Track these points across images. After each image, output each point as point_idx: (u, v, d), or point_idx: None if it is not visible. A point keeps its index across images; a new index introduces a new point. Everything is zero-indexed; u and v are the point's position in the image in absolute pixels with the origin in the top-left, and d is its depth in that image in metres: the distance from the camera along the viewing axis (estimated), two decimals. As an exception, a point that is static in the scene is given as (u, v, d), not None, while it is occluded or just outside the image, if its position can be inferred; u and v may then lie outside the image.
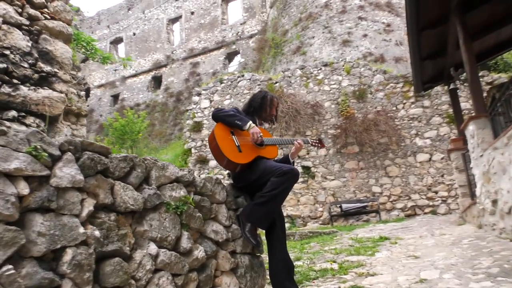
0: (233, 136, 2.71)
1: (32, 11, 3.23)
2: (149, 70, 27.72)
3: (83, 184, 1.67)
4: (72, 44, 7.30)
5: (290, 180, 2.60)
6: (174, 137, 22.68)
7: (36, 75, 3.19)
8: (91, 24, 31.99)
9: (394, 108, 9.91)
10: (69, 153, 1.65)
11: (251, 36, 24.39)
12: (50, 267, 1.51)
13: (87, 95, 28.53)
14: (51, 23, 3.35)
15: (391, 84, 10.04)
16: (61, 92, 3.37)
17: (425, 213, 9.16)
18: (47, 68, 3.28)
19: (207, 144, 2.97)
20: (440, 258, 3.34)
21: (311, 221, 9.62)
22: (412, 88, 9.86)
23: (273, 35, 20.32)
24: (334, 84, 10.34)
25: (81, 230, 1.61)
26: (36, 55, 3.21)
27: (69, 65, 3.51)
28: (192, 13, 27.17)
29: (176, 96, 25.43)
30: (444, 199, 9.21)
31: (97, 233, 1.67)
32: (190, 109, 11.28)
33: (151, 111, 25.36)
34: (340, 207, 9.28)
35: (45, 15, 3.34)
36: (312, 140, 3.14)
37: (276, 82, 10.70)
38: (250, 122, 2.74)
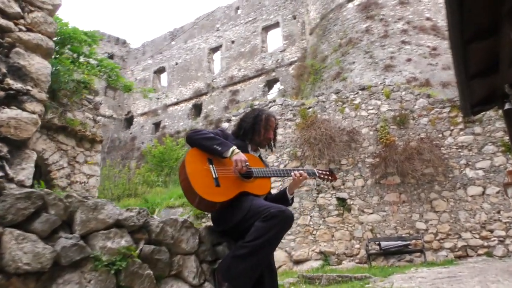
0: (211, 166, 2.13)
1: (3, 21, 2.86)
2: (190, 98, 28.10)
3: None
4: (95, 70, 7.13)
5: (279, 225, 1.94)
6: (211, 164, 22.35)
7: (2, 93, 2.78)
8: (136, 55, 33.15)
9: (440, 135, 8.95)
10: None
11: (290, 63, 24.19)
12: None
13: (130, 123, 29.25)
14: (27, 36, 2.97)
15: (436, 109, 9.12)
16: (33, 112, 2.94)
17: (479, 255, 7.99)
18: (17, 85, 2.87)
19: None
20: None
21: (346, 259, 8.69)
22: (461, 113, 8.89)
23: (312, 62, 19.91)
24: (372, 109, 9.57)
25: None
26: (4, 70, 2.81)
27: (47, 82, 3.09)
28: (233, 42, 27.45)
29: (215, 124, 25.42)
30: (501, 239, 8.01)
31: (-51, 310, 1.12)
32: (220, 136, 10.86)
33: (190, 139, 25.44)
34: (379, 244, 8.31)
35: (20, 26, 2.97)
36: (320, 172, 2.48)
37: (309, 108, 10.08)
38: (234, 147, 2.16)
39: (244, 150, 2.31)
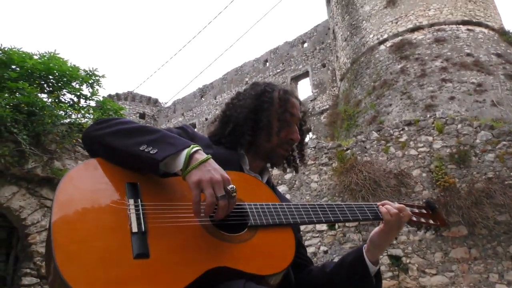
0: (131, 202, 0.87)
1: None
2: (220, 154, 27.47)
3: None
4: (98, 113, 6.24)
5: None
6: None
7: None
8: (167, 113, 33.38)
9: (513, 174, 7.31)
10: None
11: (322, 112, 23.33)
12: None
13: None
14: None
15: (504, 142, 7.53)
16: None
17: None
18: None
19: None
20: None
21: (409, 336, 6.87)
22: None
23: (345, 107, 18.91)
24: (422, 146, 8.10)
25: None
26: None
27: None
28: (262, 94, 27.00)
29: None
30: None
31: None
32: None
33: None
34: (451, 316, 6.52)
35: None
36: (414, 208, 1.18)
37: (347, 149, 8.74)
38: (194, 147, 0.93)
39: (232, 166, 1.09)
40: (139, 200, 0.88)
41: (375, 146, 8.47)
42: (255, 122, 1.21)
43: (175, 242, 0.85)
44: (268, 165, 1.28)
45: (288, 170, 1.31)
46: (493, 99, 14.75)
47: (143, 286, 0.74)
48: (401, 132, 8.36)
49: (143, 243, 0.81)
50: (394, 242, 7.68)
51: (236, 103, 1.27)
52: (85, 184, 0.89)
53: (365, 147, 8.58)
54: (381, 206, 1.11)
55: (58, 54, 5.93)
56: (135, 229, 0.82)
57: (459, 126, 7.99)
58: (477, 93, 15.21)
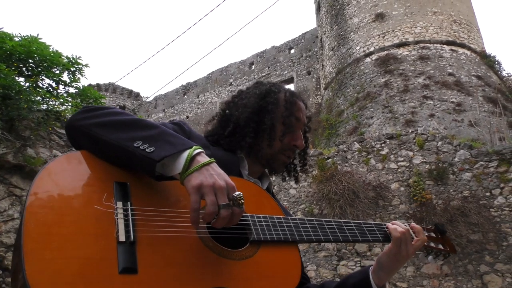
0: (119, 204, 0.74)
1: None
2: (199, 153, 27.29)
3: None
4: (75, 102, 6.03)
5: None
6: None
7: None
8: (148, 108, 32.87)
9: (488, 194, 7.42)
10: None
11: (304, 119, 23.34)
12: None
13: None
14: None
15: (481, 163, 7.67)
16: None
17: None
18: None
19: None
20: None
21: None
22: None
23: (327, 116, 19.03)
24: (402, 161, 8.17)
25: None
26: None
27: None
28: (245, 96, 26.93)
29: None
30: None
31: None
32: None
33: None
34: (419, 331, 6.55)
35: None
36: (424, 231, 1.09)
37: (328, 158, 8.73)
38: (195, 148, 0.81)
39: (231, 170, 0.99)
40: (128, 203, 0.77)
41: (356, 157, 8.49)
42: (258, 124, 1.12)
43: (169, 255, 0.74)
44: (267, 170, 1.20)
45: (286, 175, 1.23)
46: (471, 120, 15.11)
47: None
48: (383, 145, 8.41)
49: (131, 255, 0.70)
50: (368, 253, 7.69)
51: (237, 102, 1.18)
52: (66, 180, 0.76)
53: (346, 157, 8.59)
54: (389, 224, 1.05)
55: (40, 38, 5.70)
56: (122, 238, 0.71)
57: (439, 143, 8.09)
58: (456, 112, 15.55)
